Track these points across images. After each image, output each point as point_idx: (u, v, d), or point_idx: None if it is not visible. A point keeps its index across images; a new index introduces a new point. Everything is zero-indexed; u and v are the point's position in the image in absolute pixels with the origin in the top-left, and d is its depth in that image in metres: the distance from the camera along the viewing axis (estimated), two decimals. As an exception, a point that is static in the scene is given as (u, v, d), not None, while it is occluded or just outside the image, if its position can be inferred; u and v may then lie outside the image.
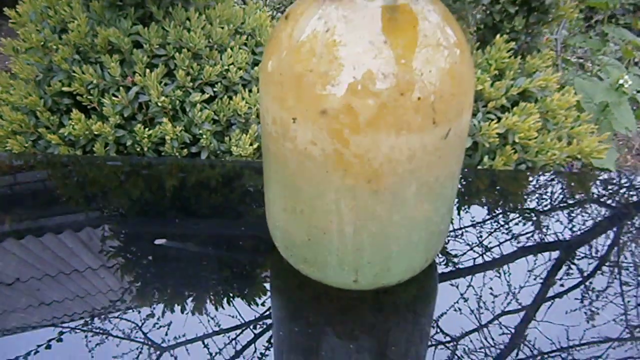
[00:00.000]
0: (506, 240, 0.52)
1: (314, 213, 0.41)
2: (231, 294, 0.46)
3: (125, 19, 0.89)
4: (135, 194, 0.59)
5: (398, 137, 0.35)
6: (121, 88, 0.82)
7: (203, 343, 0.42)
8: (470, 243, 0.51)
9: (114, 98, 0.81)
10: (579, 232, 0.53)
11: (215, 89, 0.88)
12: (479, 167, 0.72)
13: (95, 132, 0.79)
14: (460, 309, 0.45)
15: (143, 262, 0.50)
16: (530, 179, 0.63)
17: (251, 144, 0.83)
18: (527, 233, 0.53)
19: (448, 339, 0.43)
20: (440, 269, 0.49)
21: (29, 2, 0.93)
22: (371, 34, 0.33)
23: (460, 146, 0.40)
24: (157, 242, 0.53)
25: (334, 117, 0.35)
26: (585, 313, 0.45)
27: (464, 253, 0.50)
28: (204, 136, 0.83)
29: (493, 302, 0.45)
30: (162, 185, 0.62)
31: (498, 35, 0.88)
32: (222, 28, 0.92)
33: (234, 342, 0.42)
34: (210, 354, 0.41)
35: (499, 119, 0.77)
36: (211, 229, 0.54)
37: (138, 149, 0.82)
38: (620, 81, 1.35)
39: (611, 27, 1.78)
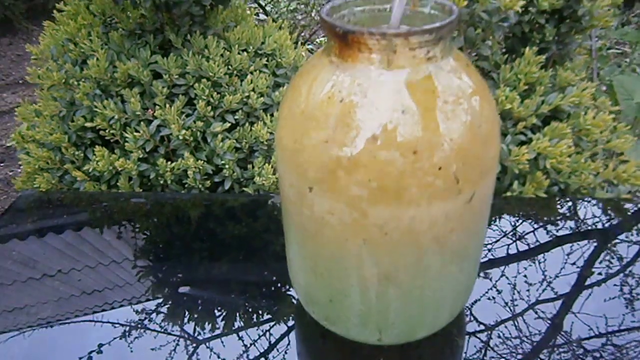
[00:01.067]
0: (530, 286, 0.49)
1: (335, 276, 0.39)
2: (254, 343, 0.45)
3: (144, 47, 0.89)
4: (156, 234, 0.59)
5: (419, 207, 0.33)
6: (142, 122, 0.82)
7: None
8: (497, 290, 0.49)
9: (135, 133, 0.81)
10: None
11: (236, 117, 0.86)
12: (509, 193, 0.69)
13: (118, 169, 0.79)
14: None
15: (166, 309, 0.49)
16: (564, 209, 0.60)
17: (274, 173, 0.82)
18: (552, 281, 0.50)
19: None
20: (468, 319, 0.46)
21: (50, 36, 0.93)
22: (387, 102, 0.31)
23: (486, 207, 0.37)
24: (181, 290, 0.52)
25: (351, 188, 0.33)
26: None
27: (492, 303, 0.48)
28: (227, 166, 0.82)
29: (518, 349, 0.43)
30: (185, 224, 0.61)
31: (527, 48, 0.84)
32: (241, 53, 0.90)
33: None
34: None
35: (530, 140, 0.73)
36: (233, 273, 0.53)
37: (162, 182, 0.82)
38: (661, 80, 1.29)
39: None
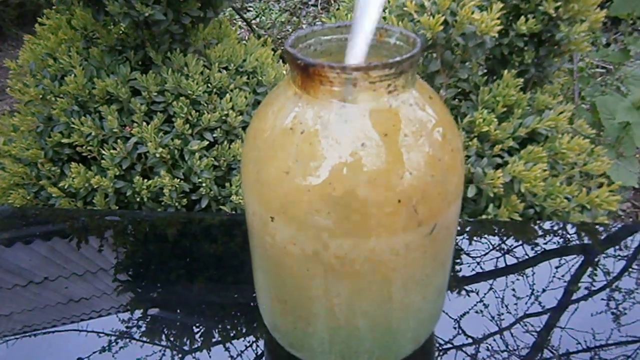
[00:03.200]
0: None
1: (298, 304, 0.39)
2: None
3: (124, 64, 0.89)
4: (129, 253, 0.58)
5: (379, 239, 0.33)
6: (119, 140, 0.81)
7: None
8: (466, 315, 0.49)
9: (112, 151, 0.80)
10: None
11: (215, 135, 0.86)
12: (484, 216, 0.69)
13: (94, 186, 0.78)
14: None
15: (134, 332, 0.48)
16: (540, 232, 0.60)
17: (252, 192, 0.82)
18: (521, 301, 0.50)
19: None
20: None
21: (29, 50, 0.93)
22: (347, 135, 0.31)
23: (450, 236, 0.37)
24: (150, 312, 0.52)
25: (311, 219, 0.33)
26: None
27: (455, 336, 0.47)
28: (204, 184, 0.81)
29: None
30: (159, 243, 0.61)
31: (506, 71, 0.85)
32: (221, 71, 0.90)
33: None
34: None
35: (506, 162, 0.74)
36: (203, 295, 0.53)
37: (138, 199, 0.81)
38: (643, 101, 1.31)
39: (634, 38, 1.72)
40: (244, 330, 0.49)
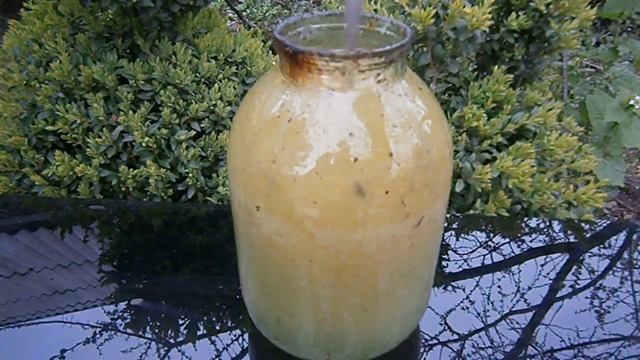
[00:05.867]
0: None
1: (283, 296, 0.39)
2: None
3: (111, 51, 0.88)
4: (114, 244, 0.57)
5: (366, 230, 0.33)
6: (105, 128, 0.80)
7: None
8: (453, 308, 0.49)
9: (97, 139, 0.79)
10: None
11: (202, 125, 0.85)
12: (471, 211, 0.69)
13: (79, 175, 0.77)
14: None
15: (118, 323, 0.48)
16: (526, 229, 0.60)
17: (239, 183, 0.81)
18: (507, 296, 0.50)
19: None
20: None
21: (14, 35, 0.91)
22: (335, 124, 0.31)
23: (437, 229, 0.37)
24: (133, 302, 0.51)
25: (297, 210, 0.32)
26: None
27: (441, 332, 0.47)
28: (190, 175, 0.80)
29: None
30: (145, 233, 0.60)
31: (496, 67, 0.85)
32: (210, 61, 0.89)
33: None
34: None
35: (495, 158, 0.74)
36: (188, 287, 0.52)
37: (123, 189, 0.80)
38: (631, 102, 1.32)
39: (623, 39, 1.73)
40: (229, 323, 0.48)
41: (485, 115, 0.77)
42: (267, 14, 2.43)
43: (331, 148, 0.31)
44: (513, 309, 0.49)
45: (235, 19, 2.16)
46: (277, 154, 0.32)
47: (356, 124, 0.31)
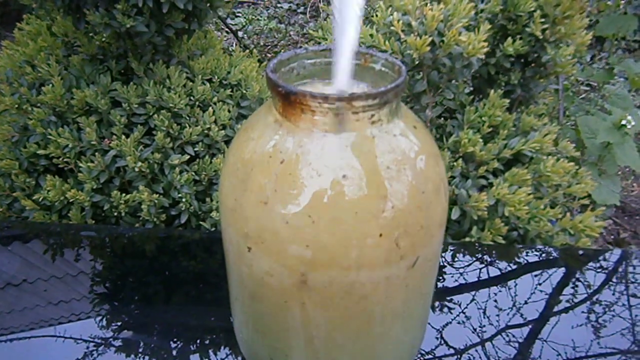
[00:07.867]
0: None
1: (275, 336, 0.38)
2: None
3: (105, 74, 0.87)
4: (104, 271, 0.56)
5: (359, 272, 0.32)
6: (97, 152, 0.79)
7: None
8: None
9: (90, 164, 0.78)
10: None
11: (196, 149, 0.85)
12: (467, 238, 0.69)
13: (70, 200, 0.76)
14: None
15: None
16: (520, 259, 0.59)
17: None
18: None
19: None
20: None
21: (7, 57, 0.90)
22: (328, 166, 0.30)
23: (432, 268, 0.36)
24: (124, 335, 0.50)
25: (289, 251, 0.32)
26: None
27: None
28: (184, 199, 0.79)
29: None
30: (135, 261, 0.59)
31: (492, 91, 0.84)
32: (205, 84, 0.89)
33: None
34: None
35: (491, 184, 0.73)
36: (179, 317, 0.51)
37: (115, 214, 0.79)
38: (623, 121, 1.32)
39: (618, 58, 1.74)
40: (220, 357, 0.47)
41: (481, 140, 0.77)
42: (264, 28, 2.43)
43: (324, 190, 0.30)
44: (509, 323, 0.48)
45: (230, 34, 2.16)
46: (269, 195, 0.31)
47: (349, 165, 0.30)
